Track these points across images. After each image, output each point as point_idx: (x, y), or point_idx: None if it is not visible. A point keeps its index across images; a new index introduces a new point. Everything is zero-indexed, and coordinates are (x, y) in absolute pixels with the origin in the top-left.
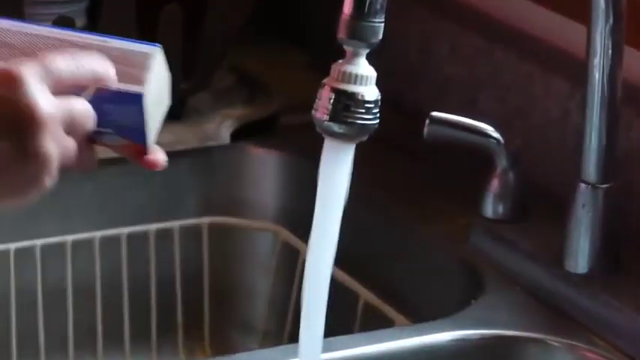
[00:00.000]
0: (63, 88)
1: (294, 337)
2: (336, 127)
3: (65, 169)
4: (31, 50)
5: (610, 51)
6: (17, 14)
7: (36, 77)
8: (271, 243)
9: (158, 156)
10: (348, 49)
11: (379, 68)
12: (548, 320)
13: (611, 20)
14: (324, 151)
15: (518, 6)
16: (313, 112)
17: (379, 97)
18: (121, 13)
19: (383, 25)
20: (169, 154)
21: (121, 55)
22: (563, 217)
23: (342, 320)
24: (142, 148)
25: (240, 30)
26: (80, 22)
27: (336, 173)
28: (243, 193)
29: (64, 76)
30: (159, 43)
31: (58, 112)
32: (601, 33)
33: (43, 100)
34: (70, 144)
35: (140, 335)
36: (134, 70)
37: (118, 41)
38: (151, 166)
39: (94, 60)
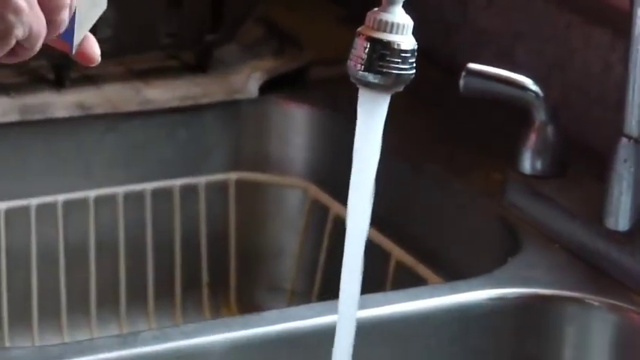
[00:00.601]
0: None
1: (322, 297)
2: (371, 77)
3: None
4: None
5: None
6: None
7: None
8: (300, 200)
9: (94, 50)
10: None
11: (414, 18)
12: (587, 279)
13: None
14: (359, 103)
15: None
16: (348, 62)
17: (416, 47)
18: None
19: None
20: (196, 107)
21: None
22: (604, 172)
23: (374, 279)
24: (69, 47)
25: None
26: None
27: (371, 125)
28: (271, 148)
29: None
30: None
31: None
32: None
33: None
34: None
35: (164, 293)
36: None
37: None
38: (86, 60)
39: None
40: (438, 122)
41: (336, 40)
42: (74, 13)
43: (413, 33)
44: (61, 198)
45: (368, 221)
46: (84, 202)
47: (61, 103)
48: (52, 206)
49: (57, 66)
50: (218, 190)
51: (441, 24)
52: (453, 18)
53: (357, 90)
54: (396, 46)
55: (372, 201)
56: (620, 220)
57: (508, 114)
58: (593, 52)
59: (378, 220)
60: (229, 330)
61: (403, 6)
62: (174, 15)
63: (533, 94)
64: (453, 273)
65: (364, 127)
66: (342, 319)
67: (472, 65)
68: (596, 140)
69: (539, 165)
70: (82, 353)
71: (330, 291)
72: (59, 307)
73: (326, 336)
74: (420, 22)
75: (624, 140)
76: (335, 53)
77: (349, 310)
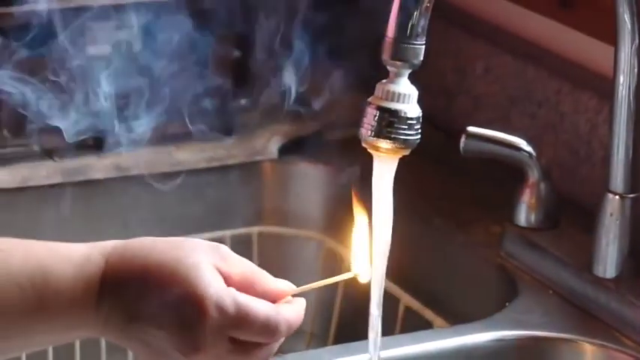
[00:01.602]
0: None
1: (338, 339)
2: (380, 142)
3: None
4: None
5: (636, 69)
6: (80, 36)
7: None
8: (316, 250)
9: None
10: (391, 69)
11: (417, 87)
12: (579, 322)
13: (637, 40)
14: (374, 165)
15: (548, 27)
16: (360, 128)
17: (420, 114)
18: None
19: (424, 47)
20: (221, 167)
21: None
22: (592, 225)
23: (384, 322)
24: None
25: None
26: (137, 45)
27: (382, 185)
28: (290, 204)
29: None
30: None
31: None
32: (627, 52)
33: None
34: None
35: None
36: None
37: None
38: None
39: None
40: (442, 180)
41: (346, 106)
42: None
43: (417, 101)
44: None
45: (384, 269)
46: None
47: (99, 166)
48: None
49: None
50: (243, 242)
51: (441, 91)
52: (453, 86)
53: (366, 151)
54: (402, 114)
55: (389, 246)
56: (607, 268)
57: (505, 172)
58: (582, 115)
59: (389, 268)
60: None
61: (408, 77)
62: (200, 85)
63: (527, 154)
64: (457, 316)
65: (376, 187)
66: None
67: (471, 128)
68: (585, 196)
69: (533, 218)
70: None
71: (345, 332)
72: (99, 350)
73: None
74: (424, 90)
75: (610, 195)
76: (346, 118)
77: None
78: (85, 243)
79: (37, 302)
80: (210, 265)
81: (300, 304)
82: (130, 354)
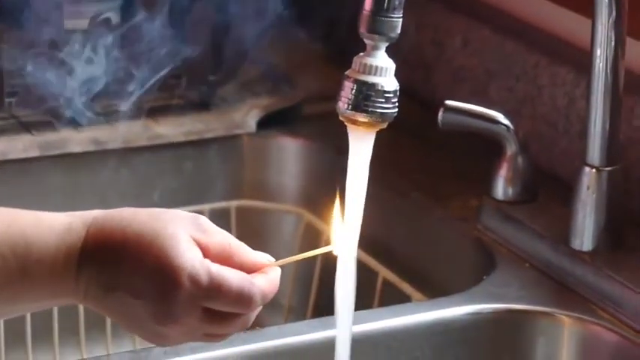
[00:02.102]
0: None
1: (317, 313)
2: (357, 116)
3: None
4: None
5: (613, 42)
6: (58, 12)
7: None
8: (295, 224)
9: None
10: (368, 42)
11: (395, 60)
12: (556, 295)
13: (613, 13)
14: (349, 139)
15: (527, 1)
16: (337, 102)
17: (398, 87)
18: (153, 9)
19: (401, 20)
20: (200, 141)
21: None
22: (569, 198)
23: (363, 296)
24: None
25: (266, 27)
26: (115, 18)
27: (359, 158)
28: (268, 177)
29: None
30: (188, 37)
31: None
32: (604, 25)
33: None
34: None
35: None
36: None
37: None
38: None
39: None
40: (420, 154)
41: (324, 79)
42: None
43: (395, 74)
44: None
45: (356, 243)
46: None
47: (77, 140)
48: None
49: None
50: (221, 216)
51: (420, 65)
52: (431, 59)
53: (345, 125)
54: (379, 88)
55: (360, 225)
56: (584, 241)
57: (483, 146)
58: (559, 88)
59: (367, 242)
60: (234, 345)
61: (386, 50)
62: (179, 58)
63: (505, 128)
64: (435, 290)
65: (354, 160)
66: (339, 335)
67: (449, 102)
68: (562, 169)
69: (510, 192)
70: None
71: (323, 306)
72: (78, 325)
73: (323, 349)
74: (402, 63)
75: (587, 169)
76: (323, 91)
77: (345, 326)
78: (68, 213)
79: (20, 271)
80: (188, 236)
81: (275, 273)
82: (109, 322)
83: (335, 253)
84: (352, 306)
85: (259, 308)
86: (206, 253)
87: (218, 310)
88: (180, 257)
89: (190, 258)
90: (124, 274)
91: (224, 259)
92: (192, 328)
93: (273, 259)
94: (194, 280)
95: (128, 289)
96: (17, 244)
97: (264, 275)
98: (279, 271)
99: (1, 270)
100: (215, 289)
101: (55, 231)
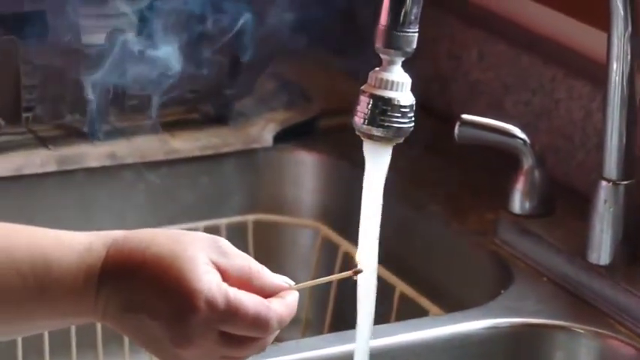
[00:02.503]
0: None
1: (334, 327)
2: (374, 131)
3: None
4: None
5: (629, 56)
6: (74, 26)
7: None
8: (312, 238)
9: None
10: (384, 57)
11: (412, 74)
12: (573, 309)
13: (629, 27)
14: (364, 153)
15: (542, 14)
16: (353, 116)
17: (414, 102)
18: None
19: (417, 35)
20: (216, 156)
21: None
22: (586, 212)
23: (380, 310)
24: None
25: (281, 42)
26: (131, 33)
27: (375, 172)
28: (285, 192)
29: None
30: (204, 52)
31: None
32: (620, 38)
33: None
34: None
35: None
36: None
37: None
38: None
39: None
40: (436, 168)
41: (341, 93)
42: None
43: (411, 88)
44: None
45: (376, 258)
46: None
47: (94, 154)
48: None
49: (91, 120)
50: (238, 230)
51: (436, 79)
52: (447, 73)
53: (361, 138)
54: (395, 102)
55: (378, 237)
56: (601, 255)
57: (500, 159)
58: (575, 101)
59: (384, 256)
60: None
61: (402, 65)
62: (195, 73)
63: (521, 141)
64: (452, 304)
65: (370, 175)
66: (358, 349)
67: (465, 116)
68: (579, 182)
69: (527, 206)
70: None
71: (340, 320)
72: (96, 339)
73: None
74: (418, 78)
75: (604, 183)
76: (341, 104)
77: (364, 340)
78: (88, 232)
79: (39, 289)
80: (207, 259)
81: (293, 297)
82: (127, 340)
83: (355, 278)
84: (372, 320)
85: (277, 331)
86: (225, 276)
87: (235, 333)
88: (197, 281)
89: (208, 281)
90: (141, 295)
91: (244, 282)
92: (208, 351)
93: (292, 283)
94: (211, 304)
95: (145, 310)
96: (37, 263)
97: (282, 300)
98: (296, 295)
99: (20, 288)
100: (231, 314)
101: (75, 250)
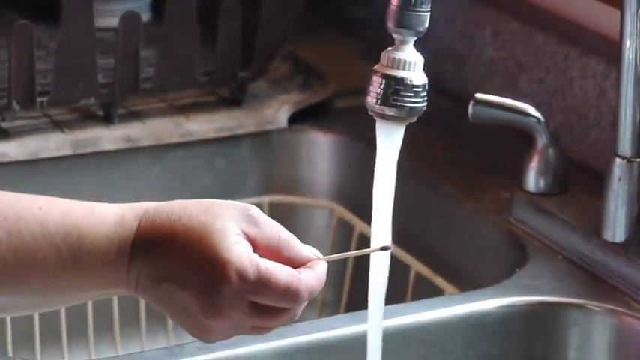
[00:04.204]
0: None
1: (350, 307)
2: (386, 110)
3: None
4: None
5: None
6: (87, 10)
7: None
8: (327, 219)
9: None
10: (396, 37)
11: (425, 53)
12: (588, 286)
13: None
14: (377, 133)
15: None
16: (366, 96)
17: (426, 82)
18: (183, 7)
19: (429, 14)
20: (231, 138)
21: None
22: (601, 189)
23: (395, 290)
24: None
25: (294, 21)
26: (145, 16)
27: (388, 152)
28: (300, 173)
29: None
30: (218, 34)
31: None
32: (633, 16)
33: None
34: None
35: None
36: None
37: None
38: None
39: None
40: (450, 147)
41: (355, 74)
42: None
43: (424, 67)
44: None
45: (390, 238)
46: None
47: (109, 138)
48: None
49: (105, 104)
50: None
51: (450, 58)
52: (461, 52)
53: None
54: (408, 82)
55: (391, 219)
56: (616, 232)
57: (514, 138)
58: (589, 79)
59: (399, 236)
60: (267, 340)
61: (414, 44)
62: (210, 55)
63: (535, 120)
64: (467, 283)
65: (382, 155)
66: (371, 329)
67: (479, 95)
68: (593, 160)
69: (542, 184)
70: None
71: (357, 300)
72: (112, 321)
73: (355, 344)
74: (432, 57)
75: (618, 160)
76: (355, 85)
77: (377, 320)
78: (120, 204)
79: (72, 262)
80: (237, 229)
81: (322, 268)
82: (144, 319)
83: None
84: (383, 299)
85: (306, 302)
86: (255, 245)
87: (265, 304)
88: (228, 252)
89: (238, 252)
90: (172, 266)
91: (273, 252)
92: (239, 322)
93: (320, 254)
94: (241, 275)
95: (176, 281)
96: (70, 235)
97: (311, 270)
98: (325, 265)
99: (54, 260)
100: (262, 285)
101: (107, 223)
